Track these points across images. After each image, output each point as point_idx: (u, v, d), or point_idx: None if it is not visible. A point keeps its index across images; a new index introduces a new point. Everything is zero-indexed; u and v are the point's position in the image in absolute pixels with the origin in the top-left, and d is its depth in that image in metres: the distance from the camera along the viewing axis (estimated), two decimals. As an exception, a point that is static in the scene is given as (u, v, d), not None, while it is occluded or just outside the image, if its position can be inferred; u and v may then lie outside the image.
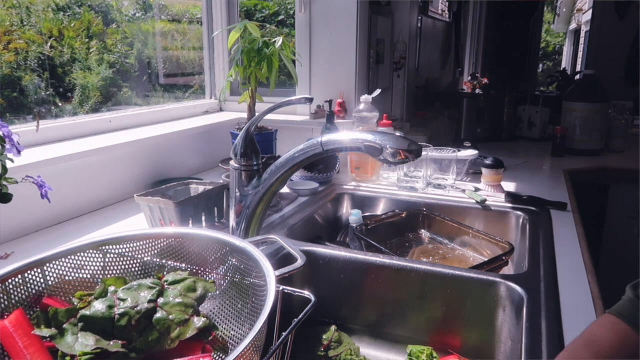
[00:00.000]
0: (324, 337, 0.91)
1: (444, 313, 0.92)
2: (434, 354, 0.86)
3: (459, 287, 0.91)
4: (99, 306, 0.50)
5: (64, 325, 0.50)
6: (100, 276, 0.60)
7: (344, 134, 0.82)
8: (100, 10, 1.62)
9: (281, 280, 0.56)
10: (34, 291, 0.55)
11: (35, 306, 0.54)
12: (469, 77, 3.47)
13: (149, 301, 0.51)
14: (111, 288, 0.54)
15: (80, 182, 1.21)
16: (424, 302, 0.94)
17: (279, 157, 0.90)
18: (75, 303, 0.53)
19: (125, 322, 0.49)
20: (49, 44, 1.43)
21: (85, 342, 0.48)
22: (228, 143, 1.49)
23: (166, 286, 0.53)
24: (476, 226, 1.27)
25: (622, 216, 1.88)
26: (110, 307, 0.50)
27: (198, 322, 0.51)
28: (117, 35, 1.68)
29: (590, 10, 4.48)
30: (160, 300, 0.51)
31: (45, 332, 0.49)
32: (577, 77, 3.36)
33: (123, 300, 0.51)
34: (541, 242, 1.06)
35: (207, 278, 0.62)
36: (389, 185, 1.49)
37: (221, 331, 0.57)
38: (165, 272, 0.63)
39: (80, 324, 0.49)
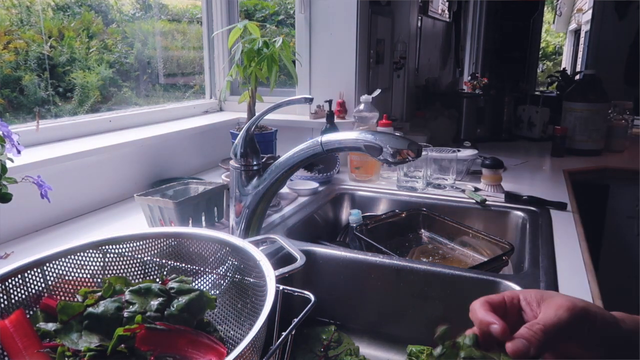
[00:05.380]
0: (323, 337, 0.91)
1: (444, 313, 0.92)
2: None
3: (459, 287, 0.91)
4: (108, 306, 0.50)
5: (71, 321, 0.50)
6: (101, 276, 0.60)
7: (344, 134, 0.82)
8: (100, 10, 1.62)
9: (281, 280, 0.56)
10: (33, 291, 0.55)
11: (35, 306, 0.54)
12: (469, 77, 3.47)
13: (156, 310, 0.51)
14: (117, 287, 0.54)
15: (80, 182, 1.21)
16: (424, 302, 0.93)
17: (279, 157, 0.90)
18: (80, 300, 0.53)
19: (131, 326, 0.49)
20: (49, 44, 1.43)
21: (89, 340, 0.48)
22: (228, 143, 1.49)
23: (172, 294, 0.53)
24: (476, 226, 1.27)
25: (622, 216, 1.88)
26: (119, 309, 0.50)
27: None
28: (117, 35, 1.68)
29: (590, 10, 4.48)
30: (166, 311, 0.51)
31: (51, 325, 0.49)
32: (577, 77, 3.37)
33: (132, 304, 0.51)
34: (541, 242, 1.06)
35: (207, 278, 0.62)
36: (389, 185, 1.49)
37: (221, 331, 0.57)
38: (165, 272, 0.63)
39: (85, 322, 0.49)
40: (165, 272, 0.63)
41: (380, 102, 1.79)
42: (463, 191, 1.41)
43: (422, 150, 0.78)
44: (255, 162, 0.94)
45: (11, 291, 0.53)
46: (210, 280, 0.62)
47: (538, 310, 0.47)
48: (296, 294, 0.61)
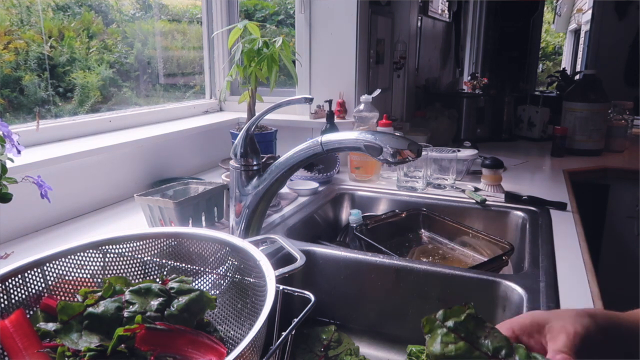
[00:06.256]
0: (323, 337, 0.91)
1: (444, 313, 0.92)
2: (434, 354, 0.86)
3: (459, 287, 0.91)
4: (108, 306, 0.50)
5: (71, 321, 0.50)
6: (101, 276, 0.60)
7: (344, 134, 0.82)
8: (100, 10, 1.62)
9: (281, 280, 0.57)
10: (34, 291, 0.55)
11: (35, 306, 0.54)
12: (469, 77, 3.47)
13: (156, 310, 0.51)
14: (117, 287, 0.54)
15: (80, 182, 1.21)
16: (424, 302, 0.94)
17: (279, 157, 0.90)
18: (80, 300, 0.53)
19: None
20: (49, 44, 1.43)
21: (89, 340, 0.48)
22: (228, 143, 1.49)
23: (172, 294, 0.53)
24: (476, 226, 1.27)
25: (622, 216, 1.88)
26: (120, 309, 0.50)
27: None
28: (117, 35, 1.68)
29: (590, 10, 4.48)
30: (167, 311, 0.51)
31: (51, 325, 0.49)
32: (577, 77, 3.37)
33: (132, 304, 0.51)
34: (541, 242, 1.06)
35: (207, 278, 0.62)
36: (389, 185, 1.49)
37: (221, 331, 0.57)
38: (165, 272, 0.63)
39: (85, 322, 0.49)
40: (165, 272, 0.63)
41: (380, 102, 1.79)
42: (463, 191, 1.41)
43: (422, 150, 0.78)
44: (255, 162, 0.94)
45: (11, 291, 0.53)
46: (210, 280, 0.62)
47: (544, 340, 0.46)
48: (296, 294, 0.61)
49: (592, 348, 0.44)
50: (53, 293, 0.56)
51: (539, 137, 2.36)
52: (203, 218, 1.07)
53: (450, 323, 0.43)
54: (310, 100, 0.90)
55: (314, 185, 1.42)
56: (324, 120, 1.66)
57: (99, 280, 0.60)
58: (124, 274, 0.62)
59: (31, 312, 0.53)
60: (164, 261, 0.64)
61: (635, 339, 0.48)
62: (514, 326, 0.48)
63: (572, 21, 9.96)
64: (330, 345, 0.89)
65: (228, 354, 0.41)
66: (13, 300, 0.53)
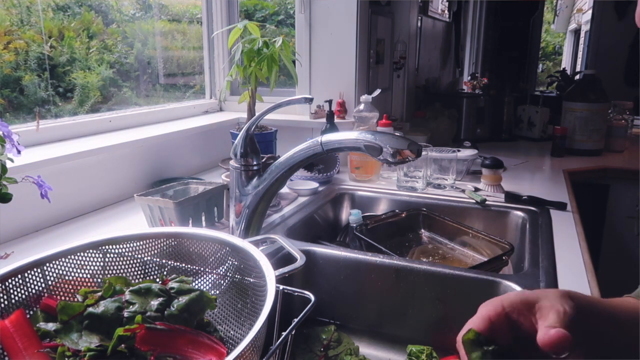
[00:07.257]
0: (323, 337, 0.91)
1: (443, 313, 0.92)
2: (434, 354, 0.86)
3: (459, 287, 0.91)
4: (108, 306, 0.50)
5: (71, 321, 0.50)
6: (101, 276, 0.60)
7: (344, 134, 0.82)
8: (100, 10, 1.62)
9: (281, 280, 0.57)
10: (33, 291, 0.55)
11: (35, 306, 0.54)
12: (469, 77, 3.47)
13: (156, 310, 0.50)
14: (117, 287, 0.54)
15: (80, 182, 1.21)
16: (424, 302, 0.93)
17: (279, 157, 0.90)
18: (80, 300, 0.53)
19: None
20: (49, 44, 1.43)
21: (89, 340, 0.48)
22: (228, 143, 1.49)
23: (172, 294, 0.53)
24: (476, 226, 1.27)
25: (622, 216, 1.88)
26: (120, 309, 0.50)
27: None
28: (117, 35, 1.68)
29: (590, 10, 4.48)
30: (167, 311, 0.51)
31: (51, 325, 0.49)
32: (577, 77, 3.37)
33: (132, 304, 0.51)
34: (541, 242, 1.06)
35: (207, 278, 0.62)
36: (389, 185, 1.49)
37: (221, 331, 0.57)
38: (165, 272, 0.63)
39: (85, 322, 0.49)
40: (165, 272, 0.63)
41: (380, 102, 1.79)
42: (463, 191, 1.41)
43: (422, 150, 0.78)
44: (255, 162, 0.94)
45: (11, 291, 0.53)
46: (210, 280, 0.62)
47: (534, 319, 0.46)
48: (296, 294, 0.61)
49: (577, 328, 0.45)
50: (53, 293, 0.56)
51: (539, 137, 2.36)
52: (203, 218, 1.07)
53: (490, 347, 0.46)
54: (310, 100, 0.90)
55: (314, 185, 1.42)
56: (324, 120, 1.66)
57: (99, 280, 0.60)
58: (124, 274, 0.62)
59: (31, 312, 0.53)
60: (164, 261, 0.64)
61: (610, 322, 0.48)
62: (504, 303, 0.48)
63: (572, 21, 9.96)
64: (330, 345, 0.89)
65: (228, 354, 0.41)
66: (13, 300, 0.53)
